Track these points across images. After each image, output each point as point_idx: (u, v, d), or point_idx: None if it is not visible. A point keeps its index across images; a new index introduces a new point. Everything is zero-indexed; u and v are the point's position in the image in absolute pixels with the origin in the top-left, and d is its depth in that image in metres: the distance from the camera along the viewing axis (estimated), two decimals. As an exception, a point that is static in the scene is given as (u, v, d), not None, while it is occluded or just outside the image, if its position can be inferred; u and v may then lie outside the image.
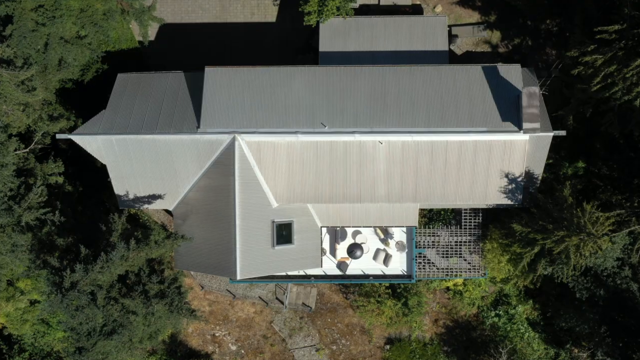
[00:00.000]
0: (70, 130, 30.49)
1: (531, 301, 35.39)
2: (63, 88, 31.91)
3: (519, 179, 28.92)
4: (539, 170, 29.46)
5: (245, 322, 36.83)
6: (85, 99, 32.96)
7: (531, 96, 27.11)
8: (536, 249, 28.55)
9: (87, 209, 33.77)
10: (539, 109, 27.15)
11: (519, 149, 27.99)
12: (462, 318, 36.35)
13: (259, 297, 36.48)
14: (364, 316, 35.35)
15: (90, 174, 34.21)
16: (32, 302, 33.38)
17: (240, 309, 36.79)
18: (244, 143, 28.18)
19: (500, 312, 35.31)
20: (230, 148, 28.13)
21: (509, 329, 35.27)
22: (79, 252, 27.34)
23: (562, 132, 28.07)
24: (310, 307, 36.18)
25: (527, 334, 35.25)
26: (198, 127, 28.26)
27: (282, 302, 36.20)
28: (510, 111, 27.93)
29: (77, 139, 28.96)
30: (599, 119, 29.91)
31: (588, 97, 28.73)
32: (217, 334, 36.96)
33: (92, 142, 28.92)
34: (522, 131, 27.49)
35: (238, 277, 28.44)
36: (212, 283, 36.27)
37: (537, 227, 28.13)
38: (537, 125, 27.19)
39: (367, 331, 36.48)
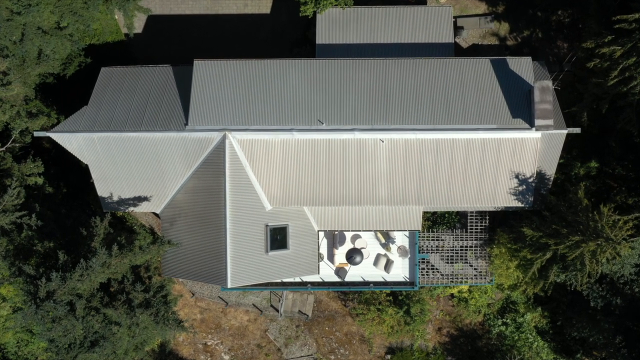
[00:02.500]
0: (53, 127, 28.84)
1: (540, 308, 34.04)
2: (44, 83, 30.35)
3: (530, 180, 27.34)
4: (551, 171, 27.92)
5: (238, 330, 35.55)
6: (68, 94, 31.53)
7: (544, 91, 25.53)
8: (548, 255, 26.94)
9: (71, 211, 32.28)
10: (552, 105, 25.59)
11: (530, 148, 26.54)
12: (467, 326, 35.09)
13: (253, 304, 35.22)
14: (364, 325, 34.05)
15: (75, 174, 32.70)
16: (15, 310, 31.76)
17: (233, 316, 35.50)
18: (235, 141, 26.65)
19: (508, 320, 34.02)
20: (221, 146, 26.64)
21: (516, 338, 33.95)
22: (58, 258, 25.58)
23: (577, 130, 26.56)
24: (307, 315, 34.93)
25: (535, 343, 33.97)
26: (186, 124, 26.82)
27: (277, 310, 34.97)
28: (521, 107, 26.48)
29: (56, 137, 27.34)
30: (613, 116, 28.41)
31: (603, 92, 27.20)
32: (209, 343, 35.66)
33: (72, 141, 27.32)
34: (534, 128, 26.06)
35: (229, 285, 26.95)
36: (204, 290, 34.91)
37: (549, 232, 26.53)
38: (550, 122, 25.64)
39: (367, 340, 35.24)
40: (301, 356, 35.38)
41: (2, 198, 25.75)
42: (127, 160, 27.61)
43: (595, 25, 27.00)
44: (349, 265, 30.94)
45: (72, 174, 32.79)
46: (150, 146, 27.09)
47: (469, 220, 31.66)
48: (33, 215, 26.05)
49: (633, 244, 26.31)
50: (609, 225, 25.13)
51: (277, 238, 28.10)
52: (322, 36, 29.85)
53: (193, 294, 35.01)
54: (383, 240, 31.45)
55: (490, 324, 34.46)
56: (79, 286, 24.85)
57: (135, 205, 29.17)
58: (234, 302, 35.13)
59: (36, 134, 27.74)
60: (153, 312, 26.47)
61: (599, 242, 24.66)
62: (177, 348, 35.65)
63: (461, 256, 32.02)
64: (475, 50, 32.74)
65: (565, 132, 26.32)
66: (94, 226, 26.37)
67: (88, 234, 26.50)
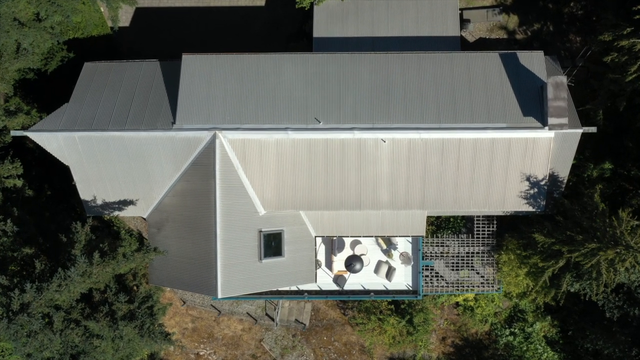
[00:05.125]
0: (34, 126, 27.29)
1: (549, 317, 32.64)
2: (24, 79, 28.79)
3: (542, 183, 25.70)
4: (564, 173, 26.35)
5: (232, 340, 34.12)
6: (50, 91, 29.89)
7: (558, 87, 23.91)
8: (561, 263, 25.32)
9: (56, 215, 30.68)
10: (566, 102, 23.94)
11: (542, 148, 24.97)
12: (473, 336, 33.72)
13: (247, 313, 33.81)
14: (364, 335, 32.70)
15: (59, 176, 31.13)
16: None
17: (226, 325, 34.04)
18: (226, 141, 25.12)
19: (516, 330, 32.64)
20: (211, 147, 25.15)
21: (524, 348, 32.56)
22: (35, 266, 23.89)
23: (593, 129, 25.02)
24: (304, 324, 33.60)
25: (545, 354, 32.60)
26: (174, 122, 25.31)
27: (272, 319, 33.64)
28: (532, 105, 24.95)
29: (34, 136, 25.72)
30: (630, 114, 27.01)
31: (620, 88, 25.69)
32: (201, 353, 34.28)
33: (51, 140, 25.72)
34: (546, 127, 24.49)
35: (219, 296, 25.44)
36: (195, 298, 33.52)
37: (562, 238, 24.90)
38: (564, 120, 24.04)
39: (367, 350, 33.83)
40: (298, 367, 34.00)
41: (-25, 202, 24.10)
42: (111, 162, 26.07)
43: (612, 17, 25.47)
44: (349, 273, 29.48)
45: (57, 176, 31.26)
46: (136, 146, 25.57)
47: (475, 225, 30.25)
48: (8, 221, 24.33)
49: (654, 252, 24.60)
50: (627, 231, 23.46)
51: (272, 245, 26.73)
52: (320, 29, 28.37)
53: (184, 302, 33.51)
54: (384, 247, 30.05)
55: (497, 334, 33.15)
56: (57, 297, 23.13)
57: (120, 209, 27.59)
58: (227, 311, 33.76)
59: (13, 133, 26.11)
60: (138, 324, 24.75)
61: (618, 250, 23.00)
62: (167, 358, 34.35)
63: (467, 263, 30.61)
64: (482, 45, 31.36)
65: (580, 131, 24.75)
66: (75, 232, 24.66)
67: (68, 241, 24.77)
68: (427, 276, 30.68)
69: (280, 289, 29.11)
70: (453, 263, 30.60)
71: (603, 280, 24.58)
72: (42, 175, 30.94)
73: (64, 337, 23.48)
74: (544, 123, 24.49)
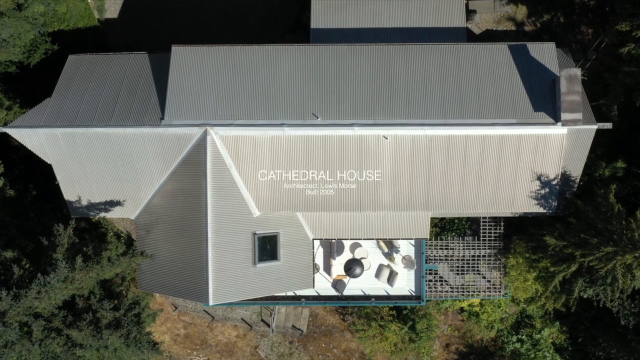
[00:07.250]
0: (16, 123, 25.97)
1: (558, 323, 31.44)
2: (5, 72, 27.68)
3: (554, 182, 24.40)
4: (577, 172, 25.10)
5: (226, 347, 33.00)
6: (34, 85, 28.58)
7: (571, 80, 22.62)
8: (573, 267, 24.01)
9: (41, 216, 29.40)
10: (580, 96, 22.64)
11: (554, 145, 23.73)
12: (478, 343, 32.64)
13: (242, 318, 32.82)
14: (365, 342, 31.51)
15: (46, 175, 29.82)
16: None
17: (220, 332, 32.95)
18: (218, 138, 23.90)
19: (523, 336, 31.51)
20: (202, 144, 23.93)
21: (532, 355, 31.33)
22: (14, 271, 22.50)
23: (608, 125, 23.76)
24: (302, 331, 32.58)
25: (553, 361, 31.22)
26: (162, 118, 24.07)
27: (268, 325, 32.60)
28: (544, 99, 23.68)
29: (13, 132, 24.42)
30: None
31: (636, 82, 24.50)
32: None
33: (32, 137, 24.41)
34: (559, 123, 23.21)
35: (211, 302, 24.12)
36: (187, 303, 32.47)
37: (575, 241, 23.62)
38: (578, 115, 22.77)
39: (367, 358, 32.63)
40: (295, 375, 32.92)
41: (-51, 203, 22.78)
42: (96, 160, 24.78)
43: (630, 6, 24.15)
44: (348, 277, 28.47)
45: (42, 175, 30.01)
46: (122, 143, 24.32)
47: (481, 227, 29.14)
48: (-15, 223, 23.01)
49: (673, 256, 23.26)
50: (646, 234, 22.18)
51: (267, 248, 25.55)
52: (318, 20, 27.07)
53: (176, 307, 32.31)
54: (386, 250, 28.96)
55: (503, 341, 32.03)
56: (36, 305, 21.80)
57: (107, 210, 26.27)
58: (220, 317, 32.66)
59: (-9, 129, 24.75)
60: (124, 333, 23.38)
61: (637, 254, 21.69)
62: (159, 366, 33.02)
63: (472, 266, 29.47)
64: (489, 37, 30.30)
65: (595, 127, 23.51)
66: (57, 234, 23.28)
67: (49, 244, 23.38)
68: (430, 281, 29.59)
69: (276, 294, 27.90)
70: (458, 267, 29.56)
71: (619, 286, 23.44)
72: (27, 174, 29.76)
73: (44, 348, 22.16)
74: (556, 119, 23.23)
